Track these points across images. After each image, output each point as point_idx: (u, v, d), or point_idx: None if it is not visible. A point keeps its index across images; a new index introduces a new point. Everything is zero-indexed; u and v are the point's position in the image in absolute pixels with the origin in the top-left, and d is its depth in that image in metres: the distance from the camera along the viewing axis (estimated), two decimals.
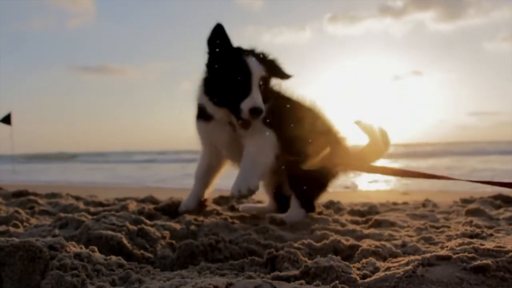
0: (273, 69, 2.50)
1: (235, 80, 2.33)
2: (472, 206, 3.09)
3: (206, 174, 2.90)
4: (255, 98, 2.29)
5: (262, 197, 3.57)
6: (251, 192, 2.38)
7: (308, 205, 2.73)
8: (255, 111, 2.28)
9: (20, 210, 2.74)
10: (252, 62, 2.36)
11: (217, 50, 2.41)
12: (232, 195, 2.40)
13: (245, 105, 2.28)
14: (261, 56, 2.46)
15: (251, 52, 2.45)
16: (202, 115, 2.62)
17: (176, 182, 9.26)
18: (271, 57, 2.52)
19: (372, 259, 1.65)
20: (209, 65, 2.48)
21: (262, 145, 2.51)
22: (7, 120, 12.70)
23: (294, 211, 2.67)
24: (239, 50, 2.44)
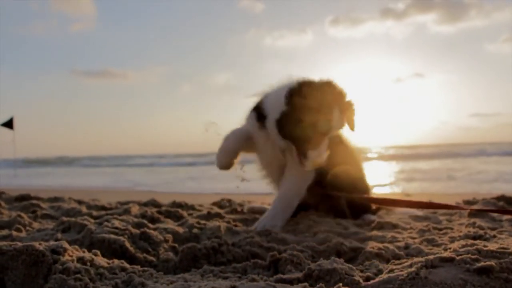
0: (348, 120, 2.55)
1: (313, 129, 2.38)
2: (475, 207, 3.08)
3: (243, 139, 2.76)
4: (322, 152, 2.41)
5: (265, 200, 3.58)
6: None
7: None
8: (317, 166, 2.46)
9: (23, 214, 2.75)
10: (335, 114, 2.41)
11: (303, 93, 2.40)
12: (256, 227, 2.46)
13: (312, 155, 2.39)
14: (344, 105, 2.49)
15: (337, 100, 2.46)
16: (261, 119, 2.61)
17: (178, 185, 9.27)
18: (352, 108, 2.53)
19: (375, 261, 1.65)
20: (292, 102, 2.41)
21: (299, 181, 2.66)
22: (9, 124, 12.75)
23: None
24: (325, 95, 2.42)
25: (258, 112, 2.63)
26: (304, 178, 2.65)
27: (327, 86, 2.45)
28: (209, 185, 9.03)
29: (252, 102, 2.74)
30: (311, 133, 2.39)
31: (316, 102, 2.37)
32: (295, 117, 2.39)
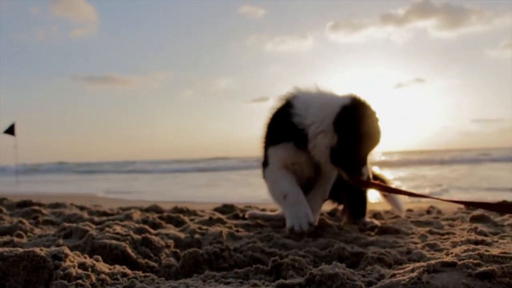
0: None
1: (367, 150, 2.42)
2: (476, 212, 3.07)
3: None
4: (368, 168, 2.46)
5: (266, 206, 3.57)
6: (311, 226, 2.36)
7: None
8: (368, 182, 2.48)
9: (24, 220, 2.75)
10: (381, 132, 2.42)
11: (358, 116, 2.34)
12: (291, 227, 2.35)
13: (365, 172, 2.42)
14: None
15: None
16: (299, 140, 2.42)
17: (179, 192, 9.26)
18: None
19: (377, 266, 1.64)
20: (345, 132, 2.31)
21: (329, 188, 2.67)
22: (11, 130, 12.76)
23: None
24: (373, 117, 2.40)
25: (296, 132, 2.40)
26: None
27: (368, 105, 2.39)
28: (212, 193, 9.02)
29: (274, 110, 2.58)
30: (366, 156, 2.43)
31: (369, 126, 2.35)
32: (351, 146, 2.32)
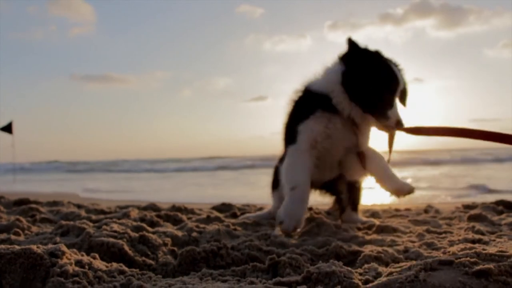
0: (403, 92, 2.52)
1: (385, 89, 2.37)
2: (474, 212, 3.08)
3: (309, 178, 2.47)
4: (398, 111, 2.40)
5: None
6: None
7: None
8: (400, 123, 2.38)
9: (22, 218, 2.74)
10: (400, 74, 2.42)
11: (364, 52, 2.41)
12: (396, 191, 2.32)
13: (393, 115, 2.36)
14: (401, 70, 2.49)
15: (394, 63, 2.46)
16: (326, 106, 2.46)
17: (177, 191, 9.26)
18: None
19: (374, 265, 1.64)
20: (355, 65, 2.41)
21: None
22: (8, 129, 12.73)
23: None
24: (385, 58, 2.44)
25: (322, 100, 2.46)
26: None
27: (376, 51, 2.44)
28: (209, 193, 9.02)
29: (296, 96, 2.62)
30: (383, 91, 2.36)
31: (378, 59, 2.37)
32: (361, 82, 2.36)
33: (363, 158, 2.52)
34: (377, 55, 2.42)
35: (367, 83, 2.35)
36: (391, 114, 2.36)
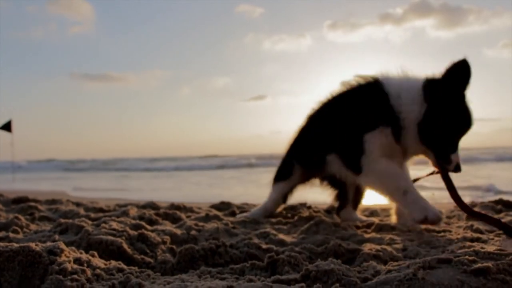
0: None
1: (460, 132, 2.28)
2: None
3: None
4: (459, 156, 2.30)
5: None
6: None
7: None
8: (458, 168, 2.29)
9: (20, 216, 2.74)
10: (473, 115, 2.30)
11: (455, 90, 2.26)
12: (423, 217, 2.23)
13: (455, 158, 2.27)
14: None
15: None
16: (395, 125, 2.34)
17: (176, 190, 9.25)
18: None
19: (373, 263, 1.64)
20: (440, 99, 2.25)
21: None
22: (7, 127, 12.72)
23: None
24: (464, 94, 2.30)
25: (392, 117, 2.33)
26: None
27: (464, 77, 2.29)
28: (210, 191, 9.02)
29: (358, 92, 2.49)
30: (456, 137, 2.27)
31: (461, 100, 2.23)
32: (442, 117, 2.22)
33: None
34: (462, 91, 2.27)
35: (447, 122, 2.24)
36: (453, 157, 2.27)
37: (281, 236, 2.29)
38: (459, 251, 1.56)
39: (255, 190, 8.51)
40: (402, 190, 2.29)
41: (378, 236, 2.33)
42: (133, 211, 3.07)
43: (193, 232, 2.31)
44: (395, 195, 2.34)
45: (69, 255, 1.56)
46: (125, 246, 1.93)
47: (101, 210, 3.48)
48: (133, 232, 2.10)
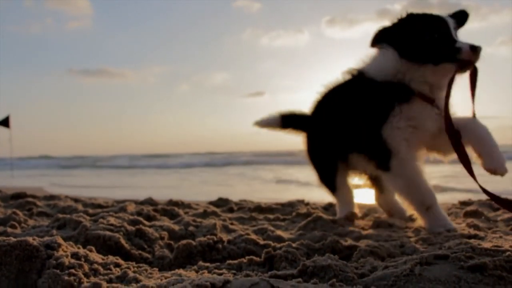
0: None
1: (437, 33, 2.21)
2: (470, 208, 3.08)
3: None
4: (465, 41, 2.18)
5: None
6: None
7: None
8: (475, 48, 2.13)
9: (18, 212, 2.74)
10: (443, 15, 2.29)
11: (409, 17, 2.30)
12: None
13: (463, 44, 2.15)
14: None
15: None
16: (401, 94, 2.28)
17: (173, 186, 9.25)
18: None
19: (370, 259, 1.65)
20: (402, 30, 2.29)
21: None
22: (5, 123, 12.69)
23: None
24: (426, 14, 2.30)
25: (403, 90, 2.28)
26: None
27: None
28: (208, 187, 9.02)
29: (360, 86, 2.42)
30: (439, 40, 2.20)
31: (426, 20, 2.24)
32: (415, 40, 2.23)
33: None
34: (416, 16, 2.30)
35: (419, 41, 2.22)
36: (459, 44, 2.16)
37: (279, 232, 2.29)
38: (456, 247, 1.56)
39: (253, 186, 8.52)
40: (426, 206, 2.31)
41: (376, 232, 2.34)
42: (131, 207, 3.07)
43: (191, 228, 2.31)
44: (417, 208, 2.36)
45: (66, 249, 1.56)
46: (122, 241, 1.93)
47: (99, 206, 3.48)
48: (131, 228, 2.10)
